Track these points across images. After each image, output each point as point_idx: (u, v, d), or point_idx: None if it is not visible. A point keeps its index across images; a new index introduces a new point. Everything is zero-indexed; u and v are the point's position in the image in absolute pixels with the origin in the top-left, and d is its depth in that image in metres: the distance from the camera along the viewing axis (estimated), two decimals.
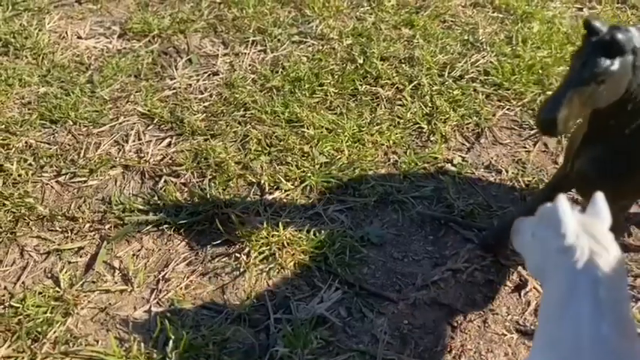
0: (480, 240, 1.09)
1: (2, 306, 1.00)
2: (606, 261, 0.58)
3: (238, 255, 1.08)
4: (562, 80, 0.74)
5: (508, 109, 1.42)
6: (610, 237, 0.61)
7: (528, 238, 0.67)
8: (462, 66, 1.55)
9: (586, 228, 0.60)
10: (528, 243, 0.67)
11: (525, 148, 1.32)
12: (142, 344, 0.95)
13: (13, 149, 1.31)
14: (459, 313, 1.00)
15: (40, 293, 1.02)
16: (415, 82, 1.50)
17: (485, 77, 1.51)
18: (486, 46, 1.63)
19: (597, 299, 0.57)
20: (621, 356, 0.57)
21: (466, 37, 1.67)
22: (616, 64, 0.70)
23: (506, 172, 1.25)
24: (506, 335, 0.97)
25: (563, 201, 0.60)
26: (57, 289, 1.03)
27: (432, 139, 1.35)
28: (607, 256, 0.59)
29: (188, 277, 1.06)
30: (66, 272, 1.06)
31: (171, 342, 0.93)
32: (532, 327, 0.97)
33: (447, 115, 1.40)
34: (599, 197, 0.62)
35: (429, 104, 1.44)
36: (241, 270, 1.06)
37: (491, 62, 1.56)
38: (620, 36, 0.69)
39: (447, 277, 1.06)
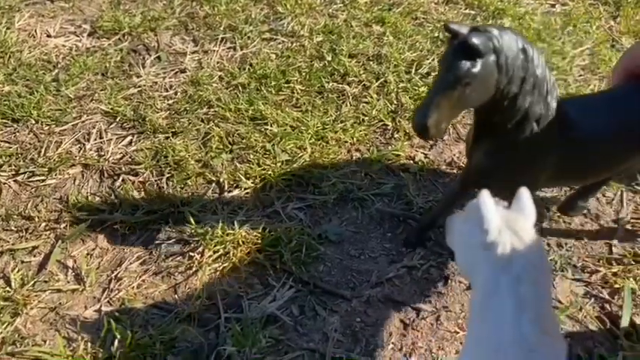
0: (404, 238, 1.10)
1: None
2: (527, 257, 0.58)
3: (192, 254, 1.07)
4: (432, 85, 0.74)
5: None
6: (533, 232, 0.60)
7: (457, 236, 0.66)
8: (430, 63, 1.54)
9: (509, 223, 0.60)
10: (457, 241, 0.66)
11: None
12: (89, 344, 0.94)
13: None
14: (413, 310, 1.00)
15: None
16: (382, 80, 1.49)
17: None
18: None
19: (518, 296, 0.56)
20: (542, 354, 0.56)
21: (436, 34, 1.67)
22: (477, 67, 0.70)
23: None
24: (458, 333, 0.97)
25: (486, 197, 0.60)
26: (7, 289, 1.02)
27: (395, 136, 1.34)
28: (528, 252, 0.58)
29: (141, 277, 1.05)
30: (18, 272, 1.05)
31: (116, 341, 0.92)
32: None
33: (412, 112, 1.39)
34: (524, 193, 0.62)
35: (395, 101, 1.43)
36: (194, 269, 1.05)
37: None
38: (474, 39, 0.68)
39: (402, 274, 1.05)
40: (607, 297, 1.01)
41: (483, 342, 0.59)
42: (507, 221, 0.60)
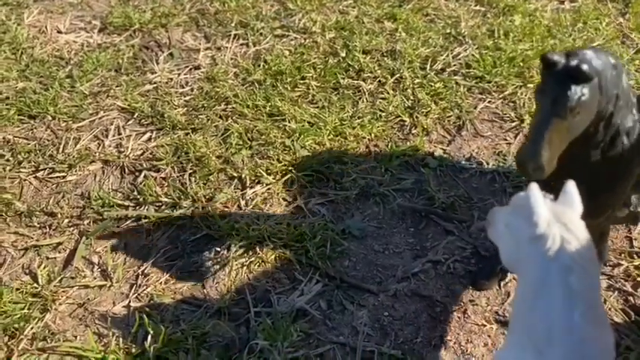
0: (471, 280, 1.04)
1: None
2: (577, 249, 0.59)
3: (218, 249, 1.08)
4: (533, 120, 0.71)
5: (489, 102, 1.42)
6: (581, 225, 0.61)
7: (502, 228, 0.67)
8: (444, 59, 1.55)
9: (557, 216, 0.61)
10: (502, 233, 0.67)
11: (506, 140, 1.33)
12: (121, 339, 0.94)
13: None
14: (439, 304, 1.01)
15: (17, 289, 1.01)
16: (397, 75, 1.50)
17: (467, 70, 1.51)
18: (468, 39, 1.63)
19: (568, 287, 0.57)
20: (592, 344, 0.57)
21: (448, 31, 1.67)
22: (586, 93, 0.68)
23: (487, 164, 1.26)
24: (485, 326, 0.98)
25: (535, 190, 0.61)
26: (35, 285, 1.02)
27: (413, 132, 1.35)
28: (578, 244, 0.59)
29: (168, 272, 1.05)
30: (44, 268, 1.05)
31: (150, 337, 0.92)
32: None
33: (429, 108, 1.40)
34: (571, 186, 0.63)
35: (411, 97, 1.44)
36: (221, 264, 1.05)
37: (472, 55, 1.57)
38: (584, 65, 0.66)
39: (427, 268, 1.06)
40: (630, 290, 1.02)
41: (533, 330, 0.60)
42: (556, 214, 0.61)
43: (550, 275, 0.59)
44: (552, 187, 0.65)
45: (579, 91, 0.67)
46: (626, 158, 0.78)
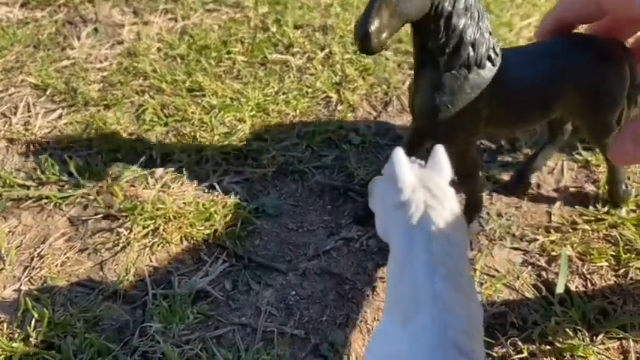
0: (352, 214, 1.05)
1: None
2: (441, 215, 0.55)
3: (120, 230, 1.02)
4: None
5: None
6: (448, 190, 0.58)
7: (377, 198, 0.63)
8: None
9: (424, 182, 0.57)
10: (377, 203, 0.63)
11: None
12: (6, 324, 0.89)
13: None
14: (349, 282, 0.97)
15: None
16: (327, 51, 1.45)
17: (398, 45, 1.47)
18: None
19: (431, 254, 0.54)
20: (457, 313, 0.54)
21: None
22: None
23: None
24: None
25: (399, 154, 0.57)
26: None
27: (339, 108, 1.31)
28: (442, 210, 0.55)
29: (65, 254, 1.00)
30: None
31: (33, 320, 0.87)
32: None
33: (356, 84, 1.36)
34: (439, 149, 0.59)
35: (339, 73, 1.39)
36: (122, 245, 1.00)
37: (405, 31, 1.52)
38: None
39: (339, 246, 1.03)
40: (544, 265, 1.00)
41: (400, 302, 0.57)
42: (422, 179, 0.57)
43: (413, 242, 0.55)
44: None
45: None
46: (473, 73, 0.80)
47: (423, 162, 0.60)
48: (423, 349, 0.54)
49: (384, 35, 0.72)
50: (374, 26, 0.70)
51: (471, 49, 0.78)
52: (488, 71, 0.81)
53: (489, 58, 0.81)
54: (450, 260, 0.54)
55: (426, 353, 0.53)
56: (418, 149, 0.95)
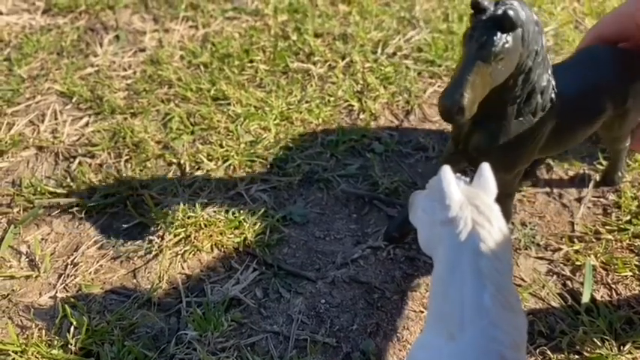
0: (383, 233, 1.06)
1: None
2: (488, 232, 0.57)
3: (152, 238, 1.04)
4: (458, 64, 0.72)
5: (439, 86, 1.40)
6: (495, 208, 0.59)
7: (419, 213, 0.65)
8: (396, 43, 1.52)
9: (470, 199, 0.59)
10: (419, 217, 0.65)
11: None
12: (44, 331, 0.90)
13: None
14: (378, 290, 0.99)
15: None
16: (347, 59, 1.47)
17: (418, 54, 1.49)
18: (422, 23, 1.61)
19: (478, 271, 0.56)
20: (503, 328, 0.55)
21: (403, 14, 1.65)
22: (510, 40, 0.69)
23: (433, 149, 1.24)
24: (423, 312, 0.96)
25: (447, 172, 0.59)
26: None
27: (361, 116, 1.33)
28: (490, 227, 0.57)
29: (98, 262, 1.01)
30: None
31: (72, 328, 0.89)
32: None
33: (378, 93, 1.37)
34: (486, 168, 0.61)
35: (361, 81, 1.41)
36: (154, 253, 1.02)
37: (425, 39, 1.54)
38: (511, 11, 0.68)
39: (367, 254, 1.04)
40: (569, 274, 1.02)
41: (446, 317, 0.58)
42: (469, 197, 0.59)
43: (461, 259, 0.57)
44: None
45: (504, 38, 0.69)
46: (538, 117, 0.82)
47: (467, 179, 0.62)
48: None
49: (475, 106, 0.71)
50: (468, 100, 0.68)
51: (539, 96, 0.80)
52: (549, 111, 0.83)
53: (551, 100, 0.82)
54: (499, 277, 0.55)
55: None
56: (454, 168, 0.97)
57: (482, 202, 0.58)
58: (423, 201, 0.64)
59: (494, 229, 0.57)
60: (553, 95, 0.82)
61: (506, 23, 0.68)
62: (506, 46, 0.69)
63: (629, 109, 0.92)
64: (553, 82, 0.82)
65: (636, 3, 0.86)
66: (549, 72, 0.80)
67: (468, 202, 0.58)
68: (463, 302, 0.57)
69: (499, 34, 0.68)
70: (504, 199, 0.97)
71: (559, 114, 0.85)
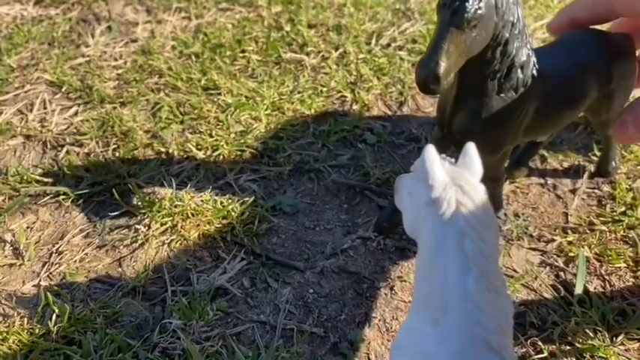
0: (374, 224, 1.05)
1: None
2: (473, 213, 0.55)
3: (138, 226, 1.02)
4: (434, 34, 0.71)
5: None
6: (480, 188, 0.58)
7: (405, 195, 0.63)
8: (390, 34, 1.51)
9: (455, 180, 0.57)
10: (405, 200, 0.63)
11: None
12: (25, 319, 0.89)
13: None
14: (367, 280, 0.97)
15: None
16: (341, 50, 1.46)
17: (412, 45, 1.47)
18: (417, 15, 1.60)
19: (463, 253, 0.54)
20: (488, 312, 0.54)
21: (398, 6, 1.63)
22: (483, 6, 0.68)
23: (426, 140, 1.22)
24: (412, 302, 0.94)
25: (430, 152, 0.57)
26: None
27: (354, 107, 1.31)
28: (474, 208, 0.55)
29: (83, 250, 1.00)
30: None
31: (54, 316, 0.87)
32: None
33: (371, 84, 1.36)
34: (470, 147, 0.59)
35: (354, 72, 1.39)
36: (140, 242, 1.00)
37: (419, 31, 1.53)
38: None
39: (357, 245, 1.03)
40: (562, 265, 1.00)
41: (430, 301, 0.57)
42: (453, 177, 0.57)
43: (445, 241, 0.55)
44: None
45: (476, 4, 0.68)
46: (519, 93, 0.81)
47: (453, 160, 0.60)
48: (455, 347, 0.54)
49: (451, 76, 0.70)
50: (443, 68, 0.67)
51: (519, 71, 0.79)
52: (532, 88, 0.82)
53: (533, 77, 0.82)
54: (483, 259, 0.54)
55: (458, 352, 0.53)
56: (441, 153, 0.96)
57: (466, 182, 0.57)
58: (408, 183, 0.62)
59: (478, 210, 0.55)
60: (534, 72, 0.81)
61: None
62: (479, 12, 0.68)
63: (613, 89, 0.91)
64: (534, 59, 0.81)
65: None
66: (529, 47, 0.79)
67: (452, 183, 0.57)
68: (447, 285, 0.55)
69: (470, 1, 0.67)
70: (491, 184, 0.96)
71: (543, 93, 0.84)
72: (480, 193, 0.57)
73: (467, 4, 0.68)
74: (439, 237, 0.56)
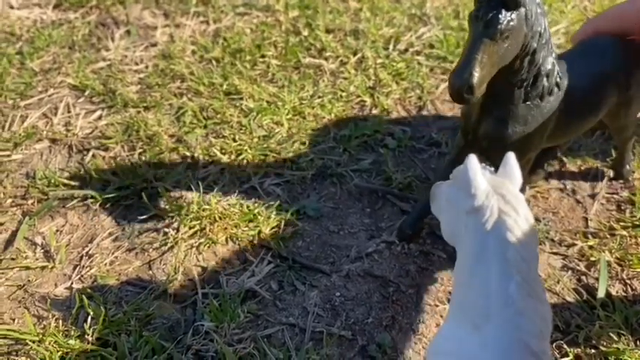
0: (397, 230, 1.05)
1: None
2: (515, 221, 0.57)
3: (167, 230, 1.04)
4: (466, 44, 0.73)
5: None
6: (521, 197, 0.59)
7: (443, 203, 0.65)
8: (408, 39, 1.53)
9: (496, 188, 0.59)
10: (443, 207, 0.65)
11: None
12: (61, 321, 0.90)
13: None
14: (392, 284, 0.99)
15: None
16: (359, 55, 1.47)
17: (430, 50, 1.49)
18: (433, 20, 1.61)
19: (505, 260, 0.56)
20: (529, 317, 0.55)
21: (414, 11, 1.65)
22: (515, 18, 0.70)
23: (446, 144, 1.24)
24: (438, 306, 0.96)
25: (473, 161, 0.59)
26: None
27: (373, 112, 1.33)
28: (516, 216, 0.57)
29: (113, 253, 1.01)
30: None
31: (89, 318, 0.89)
32: None
33: (390, 88, 1.37)
34: (511, 157, 0.61)
35: (373, 77, 1.41)
36: (169, 245, 1.02)
37: (436, 36, 1.54)
38: None
39: (381, 249, 1.04)
40: (584, 269, 1.02)
41: (471, 308, 0.58)
42: (494, 186, 0.59)
43: (487, 248, 0.57)
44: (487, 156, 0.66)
45: (509, 16, 0.70)
46: (545, 101, 0.83)
47: (492, 169, 0.62)
48: (497, 352, 0.55)
49: (484, 86, 0.72)
50: (477, 78, 0.69)
51: (545, 79, 0.81)
52: (556, 96, 0.85)
53: (557, 85, 0.84)
54: (525, 266, 0.56)
55: (500, 356, 0.55)
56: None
57: (508, 191, 0.58)
58: (447, 191, 0.64)
59: (520, 218, 0.57)
60: (559, 79, 0.83)
61: (510, 2, 0.69)
62: (511, 24, 0.70)
63: (632, 96, 0.94)
64: (558, 67, 0.83)
65: (636, 2, 0.87)
66: (553, 56, 0.81)
67: (493, 191, 0.58)
68: (489, 292, 0.57)
69: (504, 12, 0.69)
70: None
71: (565, 99, 0.86)
72: (521, 202, 0.59)
73: (500, 16, 0.70)
74: (481, 244, 0.58)
